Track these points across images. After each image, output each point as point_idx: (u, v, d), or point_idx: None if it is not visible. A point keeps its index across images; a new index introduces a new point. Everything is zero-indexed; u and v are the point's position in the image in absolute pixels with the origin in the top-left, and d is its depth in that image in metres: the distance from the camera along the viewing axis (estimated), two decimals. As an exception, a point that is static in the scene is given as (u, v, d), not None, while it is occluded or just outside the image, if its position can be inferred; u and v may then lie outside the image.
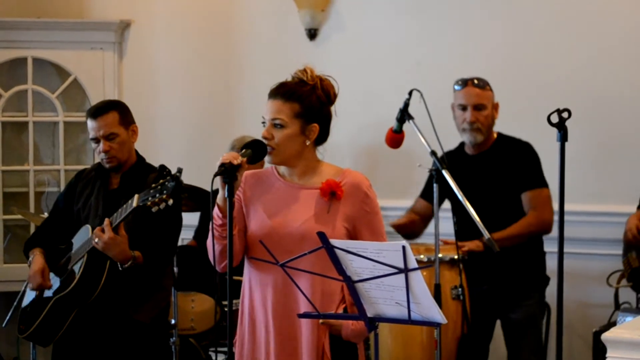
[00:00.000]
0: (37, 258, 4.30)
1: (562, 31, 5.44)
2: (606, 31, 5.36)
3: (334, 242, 2.81)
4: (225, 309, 4.91)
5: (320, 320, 3.19)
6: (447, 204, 4.77)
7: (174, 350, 4.66)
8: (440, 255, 4.41)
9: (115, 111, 4.26)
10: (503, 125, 4.96)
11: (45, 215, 5.02)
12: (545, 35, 5.47)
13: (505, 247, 4.58)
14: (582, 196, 5.24)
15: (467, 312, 4.59)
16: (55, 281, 4.29)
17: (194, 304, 5.22)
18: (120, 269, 4.07)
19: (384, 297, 2.84)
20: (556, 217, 4.75)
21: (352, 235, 3.26)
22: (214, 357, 5.17)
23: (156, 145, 5.99)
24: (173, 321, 4.67)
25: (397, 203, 5.54)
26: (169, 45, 6.35)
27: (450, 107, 4.95)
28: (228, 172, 3.09)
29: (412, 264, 2.73)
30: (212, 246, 3.24)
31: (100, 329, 4.20)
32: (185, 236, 5.55)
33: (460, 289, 4.55)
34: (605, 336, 2.85)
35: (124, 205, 4.00)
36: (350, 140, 5.77)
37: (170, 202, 3.84)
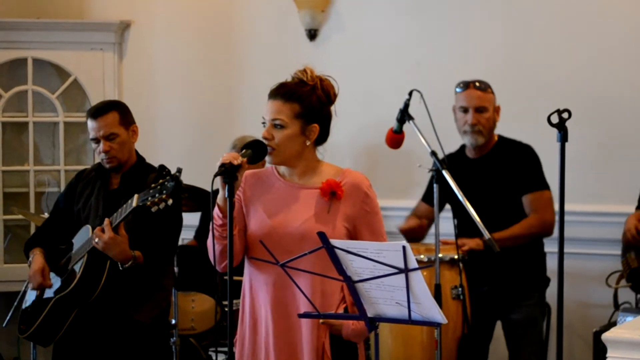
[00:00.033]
0: (37, 258, 4.31)
1: (562, 31, 5.44)
2: (606, 31, 5.36)
3: (334, 242, 2.81)
4: (226, 309, 4.91)
5: (321, 320, 3.19)
6: (448, 206, 4.78)
7: (175, 350, 4.66)
8: (440, 255, 4.41)
9: (116, 111, 4.27)
10: (503, 125, 4.96)
11: (46, 215, 5.02)
12: (545, 35, 5.47)
13: (506, 248, 4.58)
14: (582, 196, 5.23)
15: (467, 312, 4.59)
16: (56, 281, 4.29)
17: (194, 304, 5.22)
18: (120, 268, 4.07)
19: (384, 297, 2.84)
20: (556, 218, 4.77)
21: (352, 235, 3.26)
22: (214, 357, 5.17)
23: (156, 146, 6.00)
24: (173, 321, 4.67)
25: (397, 203, 5.54)
26: (169, 45, 6.35)
27: (452, 110, 4.95)
28: (228, 173, 3.09)
29: (413, 264, 2.73)
30: (213, 246, 3.24)
31: (101, 329, 4.20)
32: (186, 236, 5.55)
33: (460, 289, 4.55)
34: (606, 336, 2.85)
35: (124, 205, 4.00)
36: (350, 140, 5.77)
37: (170, 202, 3.84)
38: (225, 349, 4.61)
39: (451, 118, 4.95)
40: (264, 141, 3.22)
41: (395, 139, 4.64)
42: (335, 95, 3.31)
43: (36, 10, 6.39)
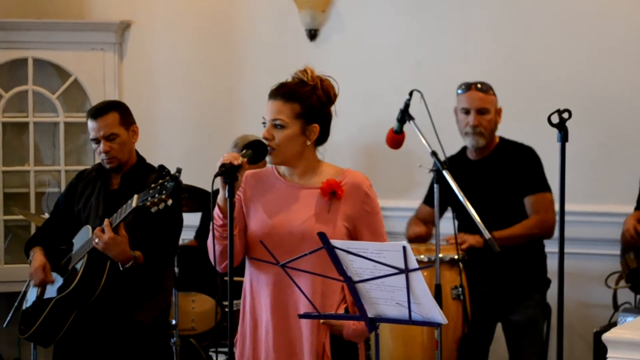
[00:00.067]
0: (37, 255, 4.31)
1: (562, 31, 5.44)
2: (606, 31, 5.36)
3: (334, 242, 2.81)
4: (226, 310, 4.91)
5: (321, 321, 3.19)
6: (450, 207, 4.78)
7: (175, 351, 4.66)
8: (440, 255, 4.41)
9: (116, 112, 4.27)
10: (503, 126, 4.96)
11: (46, 215, 5.03)
12: (545, 35, 5.47)
13: (507, 249, 4.57)
14: (582, 196, 5.23)
15: (468, 312, 4.59)
16: (56, 281, 4.29)
17: (194, 305, 5.22)
18: (121, 269, 4.07)
19: (384, 298, 2.84)
20: (557, 218, 4.76)
21: (353, 235, 3.26)
22: (214, 358, 5.17)
23: (156, 146, 5.99)
24: (174, 321, 4.67)
25: (397, 203, 5.55)
26: (169, 45, 6.35)
27: (453, 111, 4.95)
28: (228, 173, 3.09)
29: (413, 264, 2.73)
30: (213, 246, 3.25)
31: (101, 329, 4.20)
32: (186, 236, 5.55)
33: (460, 289, 4.55)
34: (606, 336, 2.85)
35: (124, 206, 4.00)
36: (350, 140, 5.77)
37: (170, 202, 3.84)
38: (226, 350, 4.60)
39: (451, 118, 4.95)
40: (264, 141, 3.22)
41: (396, 139, 4.64)
42: (335, 96, 3.31)
43: (36, 11, 6.39)
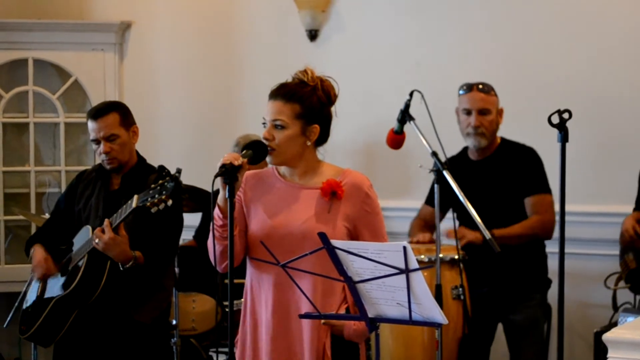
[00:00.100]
0: (38, 250, 4.31)
1: (562, 31, 5.44)
2: (606, 31, 5.36)
3: (335, 242, 2.81)
4: (227, 310, 4.91)
5: (322, 321, 3.19)
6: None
7: (175, 351, 4.66)
8: (440, 255, 4.41)
9: (116, 112, 4.26)
10: (503, 126, 4.95)
11: (46, 216, 5.03)
12: (545, 35, 5.47)
13: (507, 250, 4.57)
14: (582, 197, 5.23)
15: (468, 312, 4.59)
16: (57, 281, 4.29)
17: (195, 305, 5.22)
18: (121, 269, 4.07)
19: (385, 298, 2.84)
20: (557, 218, 4.76)
21: (353, 235, 3.26)
22: (215, 358, 5.17)
23: (157, 146, 6.00)
24: (174, 322, 4.67)
25: (397, 203, 5.55)
26: (169, 46, 6.35)
27: (455, 112, 4.95)
28: (229, 173, 3.10)
29: (413, 264, 2.73)
30: (213, 247, 3.25)
31: (101, 329, 4.21)
32: (186, 237, 5.55)
33: (460, 289, 4.55)
34: (607, 336, 2.85)
35: (124, 206, 4.00)
36: (350, 140, 5.77)
37: (170, 202, 3.84)
38: (226, 350, 4.61)
39: (451, 118, 4.95)
40: (265, 141, 3.22)
41: (396, 139, 4.63)
42: (335, 96, 3.31)
43: (37, 11, 6.39)
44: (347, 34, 5.92)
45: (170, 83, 6.35)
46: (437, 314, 2.80)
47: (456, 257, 4.55)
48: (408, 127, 4.53)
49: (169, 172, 3.90)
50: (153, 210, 3.86)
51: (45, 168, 6.33)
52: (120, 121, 4.25)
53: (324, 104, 3.27)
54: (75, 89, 6.28)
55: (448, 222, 4.69)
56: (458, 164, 4.84)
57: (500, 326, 4.98)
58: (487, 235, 4.26)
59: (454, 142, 4.97)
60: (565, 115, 3.44)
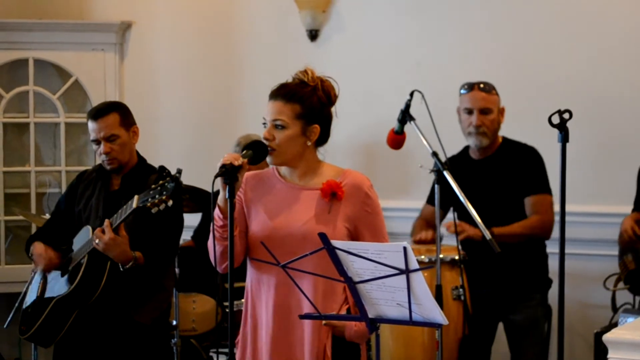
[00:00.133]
0: (38, 245, 4.31)
1: (562, 31, 5.44)
2: (606, 31, 5.36)
3: (335, 243, 2.81)
4: (227, 310, 4.91)
5: (323, 322, 3.19)
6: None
7: (175, 351, 4.67)
8: (441, 255, 4.41)
9: (116, 112, 4.26)
10: (503, 126, 4.95)
11: (47, 216, 5.03)
12: (545, 35, 5.47)
13: (507, 250, 4.56)
14: (582, 197, 5.23)
15: (469, 312, 4.58)
16: (57, 281, 4.29)
17: (195, 305, 5.22)
18: (121, 269, 4.07)
19: (385, 298, 2.84)
20: (557, 218, 4.75)
21: (354, 235, 3.26)
22: (215, 358, 5.17)
23: (157, 146, 6.00)
24: (174, 322, 4.67)
25: (397, 204, 5.54)
26: (170, 46, 6.35)
27: (456, 111, 4.94)
28: (229, 174, 3.10)
29: (414, 264, 2.73)
30: (213, 247, 3.25)
31: (101, 330, 4.20)
32: (185, 237, 5.55)
33: (461, 289, 4.55)
34: (607, 337, 2.85)
35: (124, 207, 4.00)
36: (350, 140, 5.77)
37: (170, 203, 3.84)
38: (226, 350, 4.61)
39: (451, 118, 4.95)
40: (265, 142, 3.22)
41: (397, 139, 4.63)
42: (335, 96, 3.31)
43: (37, 11, 6.39)
44: (347, 34, 5.93)
45: (170, 83, 6.35)
46: (437, 315, 2.80)
47: (456, 257, 4.55)
48: (408, 127, 4.53)
49: (169, 172, 3.90)
50: (153, 210, 3.85)
51: (46, 168, 6.33)
52: (121, 121, 4.25)
53: (324, 104, 3.27)
54: (75, 89, 6.28)
55: (449, 220, 4.68)
56: (459, 163, 4.84)
57: (500, 326, 4.98)
58: (488, 235, 4.25)
59: (455, 142, 4.96)
60: (566, 116, 3.44)
